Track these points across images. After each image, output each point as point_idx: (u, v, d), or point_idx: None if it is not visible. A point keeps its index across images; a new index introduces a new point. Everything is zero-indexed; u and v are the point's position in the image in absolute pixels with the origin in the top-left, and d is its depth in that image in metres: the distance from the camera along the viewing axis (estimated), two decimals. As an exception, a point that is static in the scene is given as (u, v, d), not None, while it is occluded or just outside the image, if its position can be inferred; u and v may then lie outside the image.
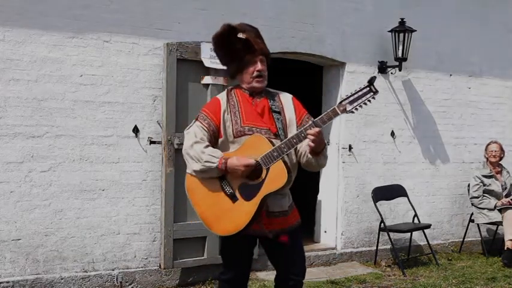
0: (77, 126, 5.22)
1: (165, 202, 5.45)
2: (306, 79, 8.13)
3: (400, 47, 6.68)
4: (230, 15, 5.58)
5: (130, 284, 5.43)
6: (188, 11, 5.67)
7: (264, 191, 3.13)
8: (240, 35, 3.26)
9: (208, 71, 5.56)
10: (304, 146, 3.20)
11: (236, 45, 3.26)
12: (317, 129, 3.07)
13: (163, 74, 5.49)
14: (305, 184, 7.61)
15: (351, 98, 3.09)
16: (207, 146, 3.22)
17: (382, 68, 6.87)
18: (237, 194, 3.20)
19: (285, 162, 3.16)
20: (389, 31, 6.73)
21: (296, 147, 3.21)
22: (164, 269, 5.52)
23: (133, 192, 5.47)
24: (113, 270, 5.37)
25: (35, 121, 5.05)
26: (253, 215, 3.13)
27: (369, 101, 3.10)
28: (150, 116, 5.53)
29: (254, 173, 3.16)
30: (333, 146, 6.80)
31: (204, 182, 3.26)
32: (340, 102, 3.09)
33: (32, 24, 5.02)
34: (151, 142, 5.52)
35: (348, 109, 3.08)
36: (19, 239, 5.01)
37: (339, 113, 3.09)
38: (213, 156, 3.18)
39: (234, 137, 3.25)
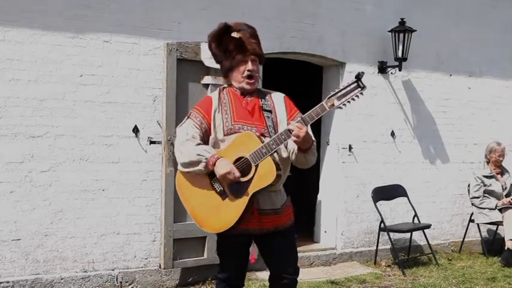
0: (77, 126, 5.22)
1: (165, 202, 5.44)
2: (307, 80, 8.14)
3: (400, 47, 6.68)
4: (230, 15, 5.57)
5: (130, 284, 5.43)
6: (188, 11, 5.67)
7: (253, 188, 3.13)
8: (234, 34, 3.28)
9: (208, 70, 5.55)
10: (293, 143, 3.19)
11: (229, 43, 3.28)
12: (300, 125, 3.06)
13: (163, 74, 5.48)
14: (305, 184, 7.65)
15: (339, 94, 3.10)
16: (198, 144, 3.23)
17: (382, 68, 6.87)
18: (227, 191, 3.19)
19: (274, 159, 3.15)
20: (389, 31, 6.73)
21: (286, 145, 3.21)
22: (164, 269, 5.52)
23: (134, 192, 5.47)
24: (113, 270, 5.37)
25: (35, 121, 5.05)
26: (242, 212, 3.13)
27: (357, 96, 3.10)
28: (150, 116, 5.53)
29: (244, 170, 3.15)
30: (333, 146, 6.80)
31: (194, 179, 3.26)
32: (328, 98, 3.10)
33: (32, 24, 5.02)
34: (151, 142, 5.52)
35: (335, 104, 3.09)
36: (19, 239, 5.01)
37: (327, 108, 3.10)
38: (206, 151, 3.19)
39: (224, 135, 3.26)
